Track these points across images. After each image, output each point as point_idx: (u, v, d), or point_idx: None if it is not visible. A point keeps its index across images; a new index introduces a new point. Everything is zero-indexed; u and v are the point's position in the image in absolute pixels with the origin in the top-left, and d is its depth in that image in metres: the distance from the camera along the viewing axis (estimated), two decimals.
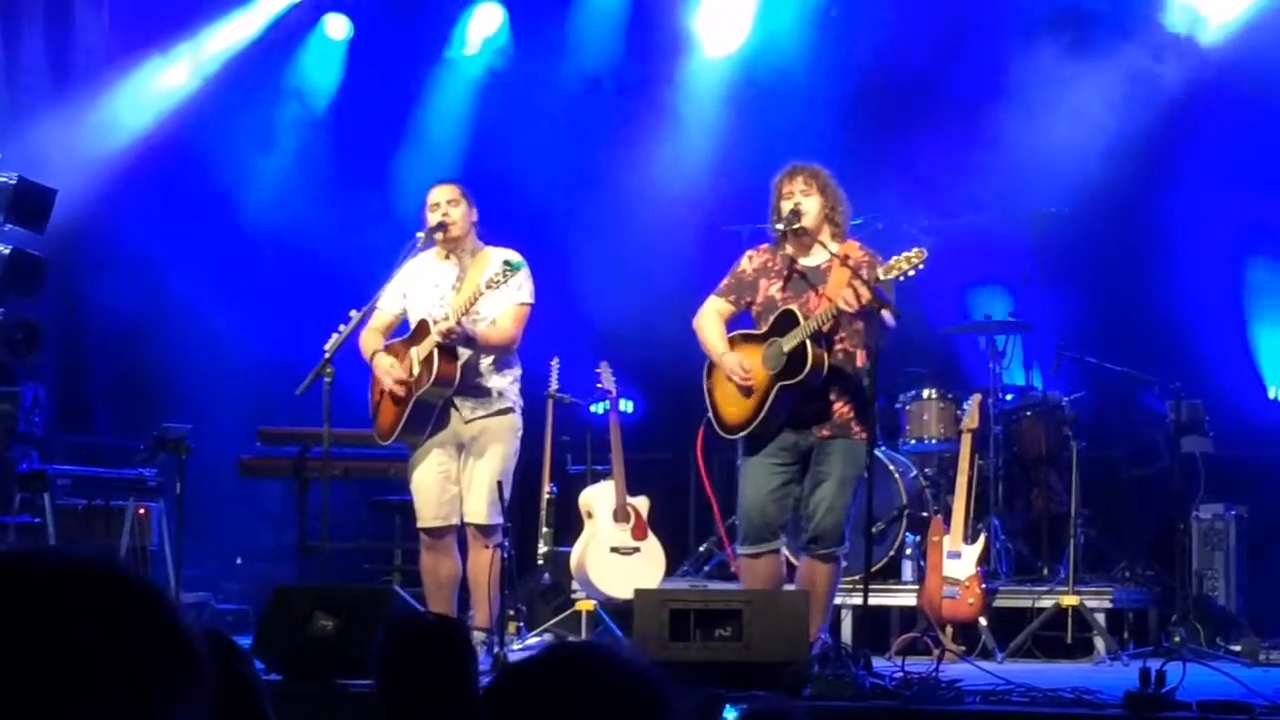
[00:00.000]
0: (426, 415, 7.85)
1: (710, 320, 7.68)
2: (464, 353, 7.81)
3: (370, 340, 7.99)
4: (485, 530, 7.83)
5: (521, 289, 7.90)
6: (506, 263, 7.67)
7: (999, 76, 10.82)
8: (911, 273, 7.16)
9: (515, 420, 7.96)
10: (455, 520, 7.91)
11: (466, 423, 7.88)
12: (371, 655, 3.94)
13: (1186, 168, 10.57)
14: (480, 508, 7.83)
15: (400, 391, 7.83)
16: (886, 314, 7.21)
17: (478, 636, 7.66)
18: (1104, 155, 10.47)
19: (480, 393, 7.88)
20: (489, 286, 7.63)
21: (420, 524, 8.00)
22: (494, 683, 2.22)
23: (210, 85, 12.27)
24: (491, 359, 7.90)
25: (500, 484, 7.74)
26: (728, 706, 5.69)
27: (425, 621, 3.89)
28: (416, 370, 7.78)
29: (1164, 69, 10.77)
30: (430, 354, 7.74)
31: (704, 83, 12.06)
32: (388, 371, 7.86)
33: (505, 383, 7.92)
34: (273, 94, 12.48)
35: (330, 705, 6.43)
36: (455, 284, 7.91)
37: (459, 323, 7.65)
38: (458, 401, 7.86)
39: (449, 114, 12.46)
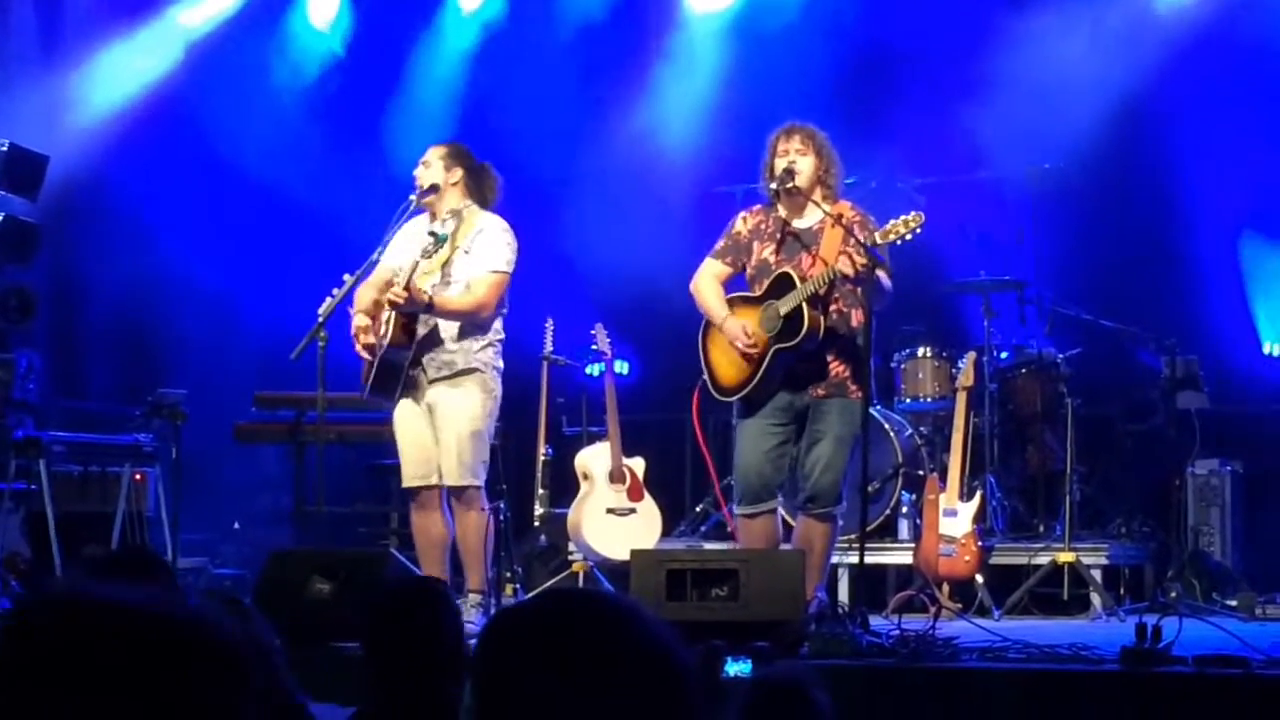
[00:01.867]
0: (393, 376, 7.83)
1: (708, 283, 7.68)
2: (428, 319, 7.80)
3: (364, 295, 7.98)
4: (459, 492, 7.79)
5: (497, 256, 7.84)
6: (431, 233, 7.69)
7: (994, 32, 10.78)
8: (909, 236, 7.18)
9: (486, 381, 7.84)
10: (435, 480, 7.88)
11: (432, 385, 7.85)
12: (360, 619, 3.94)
13: (1182, 121, 10.54)
14: (450, 469, 7.78)
15: (366, 355, 7.86)
16: (883, 275, 7.22)
17: (473, 599, 7.68)
18: (1099, 110, 10.46)
19: (444, 357, 7.84)
20: (423, 256, 7.66)
21: (403, 484, 8.01)
22: (485, 629, 2.08)
23: (203, 49, 12.23)
24: (457, 325, 7.86)
25: (480, 443, 7.70)
26: (729, 660, 5.71)
27: (409, 584, 3.90)
28: (383, 330, 7.81)
29: (1159, 20, 10.73)
30: (390, 317, 7.76)
31: (696, 41, 12.01)
32: (357, 333, 7.88)
33: (475, 348, 7.82)
34: (266, 56, 12.42)
35: (328, 668, 6.43)
36: (430, 247, 7.86)
37: (409, 288, 7.63)
38: (423, 364, 7.84)
39: (442, 75, 12.41)
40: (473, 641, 2.13)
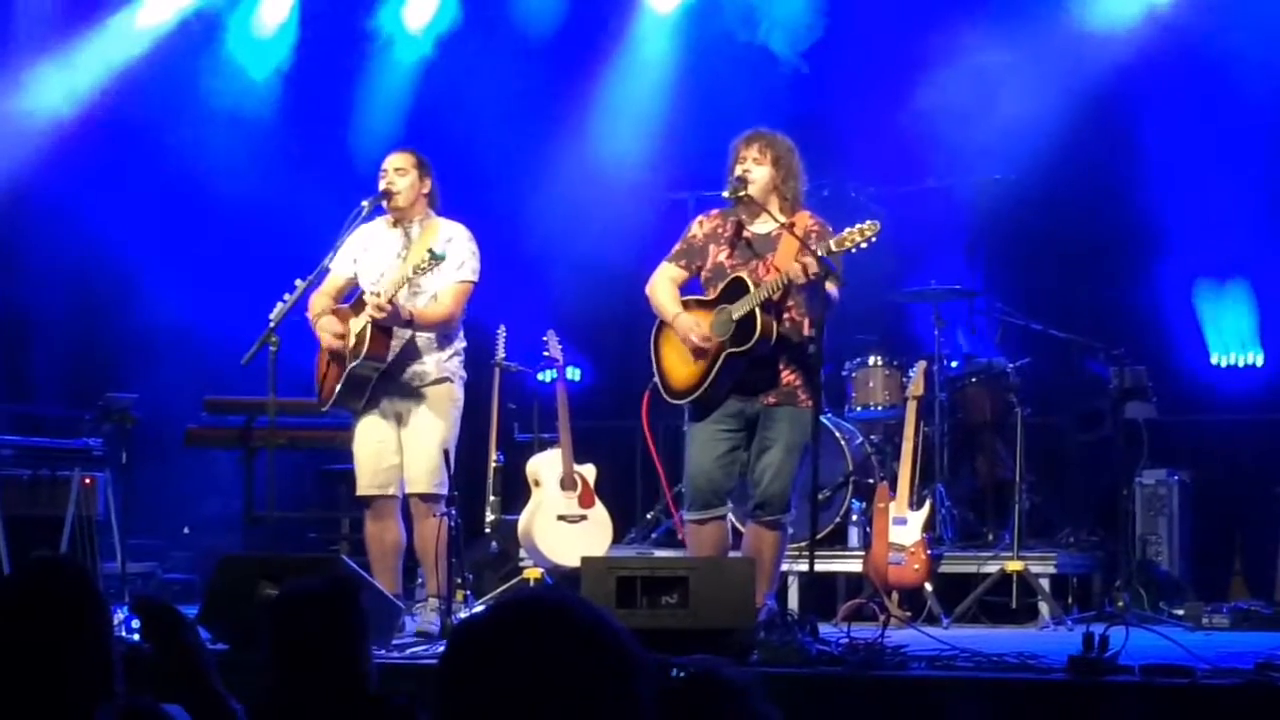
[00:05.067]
0: (362, 386, 7.84)
1: (663, 285, 7.69)
2: (401, 330, 7.80)
3: (319, 303, 7.98)
4: (427, 499, 7.82)
5: (464, 266, 7.88)
6: (430, 251, 7.66)
7: (947, 42, 10.81)
8: (864, 245, 7.18)
9: (453, 390, 7.94)
10: (393, 490, 7.90)
11: (403, 395, 7.87)
12: (261, 621, 3.92)
13: (1133, 134, 10.60)
14: (420, 476, 7.83)
15: (336, 345, 7.82)
16: (830, 286, 7.22)
17: (431, 604, 7.72)
18: (1050, 122, 10.48)
19: (417, 368, 7.87)
20: (415, 272, 7.65)
21: (358, 492, 8.01)
22: (449, 645, 2.13)
23: (155, 53, 12.14)
24: (430, 336, 7.88)
25: (446, 453, 7.72)
26: (674, 671, 5.71)
27: (313, 588, 3.86)
28: (353, 342, 7.78)
29: (1113, 33, 10.78)
30: (364, 328, 7.74)
31: (650, 44, 12.01)
32: (325, 328, 7.86)
33: (444, 357, 7.90)
34: (219, 61, 12.36)
35: None
36: (400, 255, 7.89)
37: (392, 301, 7.63)
38: (395, 375, 7.85)
39: (396, 82, 12.38)
40: (438, 646, 2.14)
